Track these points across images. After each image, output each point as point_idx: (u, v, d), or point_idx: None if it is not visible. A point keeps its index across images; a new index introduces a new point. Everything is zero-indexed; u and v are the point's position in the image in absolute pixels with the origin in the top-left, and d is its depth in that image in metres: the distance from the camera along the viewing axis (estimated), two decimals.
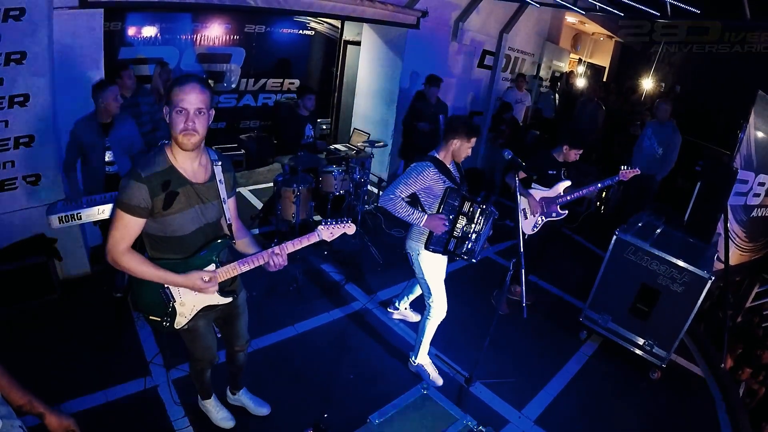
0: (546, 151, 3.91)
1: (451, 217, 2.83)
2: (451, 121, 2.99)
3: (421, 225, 2.82)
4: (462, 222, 2.85)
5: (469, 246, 2.94)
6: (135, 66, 5.35)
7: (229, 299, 2.07)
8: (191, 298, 1.98)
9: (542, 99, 8.81)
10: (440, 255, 2.95)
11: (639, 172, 3.73)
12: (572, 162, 3.86)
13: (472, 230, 2.89)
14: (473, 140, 2.86)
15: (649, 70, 9.67)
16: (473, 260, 3.03)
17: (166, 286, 1.92)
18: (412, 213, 2.81)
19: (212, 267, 1.95)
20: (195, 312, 2.02)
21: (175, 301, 1.96)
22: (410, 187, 2.84)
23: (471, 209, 2.85)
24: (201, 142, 1.80)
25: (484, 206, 2.88)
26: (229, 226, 2.02)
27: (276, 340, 3.37)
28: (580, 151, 3.80)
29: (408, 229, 3.06)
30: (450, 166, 2.93)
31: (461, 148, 2.86)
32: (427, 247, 2.88)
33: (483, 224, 2.92)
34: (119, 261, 1.79)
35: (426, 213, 2.84)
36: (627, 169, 3.67)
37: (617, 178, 3.69)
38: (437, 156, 2.90)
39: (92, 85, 3.24)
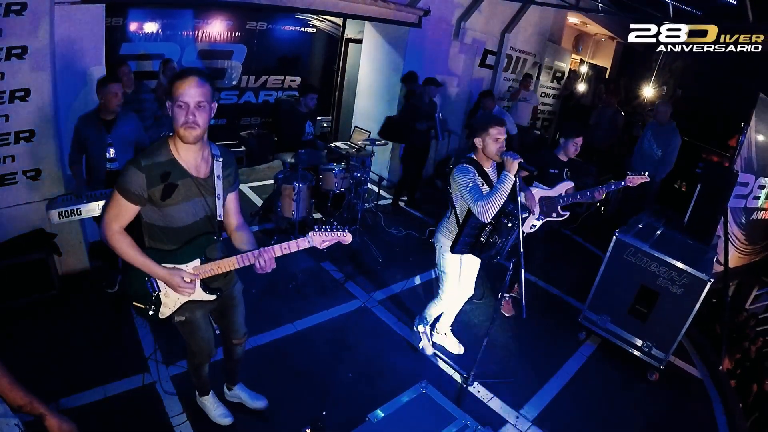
0: (549, 150, 3.89)
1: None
2: (469, 124, 2.94)
3: (513, 175, 2.64)
4: (487, 230, 2.83)
5: (494, 252, 2.90)
6: (137, 62, 5.36)
7: (213, 297, 2.06)
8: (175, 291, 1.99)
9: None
10: (465, 255, 2.96)
11: (648, 179, 3.56)
12: (575, 161, 3.81)
13: (497, 239, 2.85)
14: (493, 130, 2.75)
15: (650, 72, 9.65)
16: (497, 259, 2.95)
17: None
18: (501, 183, 2.64)
19: (197, 262, 1.95)
20: (179, 304, 2.03)
21: (159, 291, 1.99)
22: (476, 181, 2.77)
23: (497, 221, 2.81)
24: (203, 135, 1.82)
25: (514, 218, 2.77)
26: (220, 222, 2.02)
27: (275, 337, 3.37)
28: (579, 140, 3.66)
29: (438, 223, 3.06)
30: (489, 169, 2.89)
31: (486, 142, 2.80)
32: (452, 250, 2.91)
33: (510, 234, 2.84)
34: (110, 239, 1.85)
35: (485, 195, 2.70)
36: (634, 174, 3.51)
37: (623, 184, 3.55)
38: (474, 158, 2.89)
39: (97, 80, 3.24)
